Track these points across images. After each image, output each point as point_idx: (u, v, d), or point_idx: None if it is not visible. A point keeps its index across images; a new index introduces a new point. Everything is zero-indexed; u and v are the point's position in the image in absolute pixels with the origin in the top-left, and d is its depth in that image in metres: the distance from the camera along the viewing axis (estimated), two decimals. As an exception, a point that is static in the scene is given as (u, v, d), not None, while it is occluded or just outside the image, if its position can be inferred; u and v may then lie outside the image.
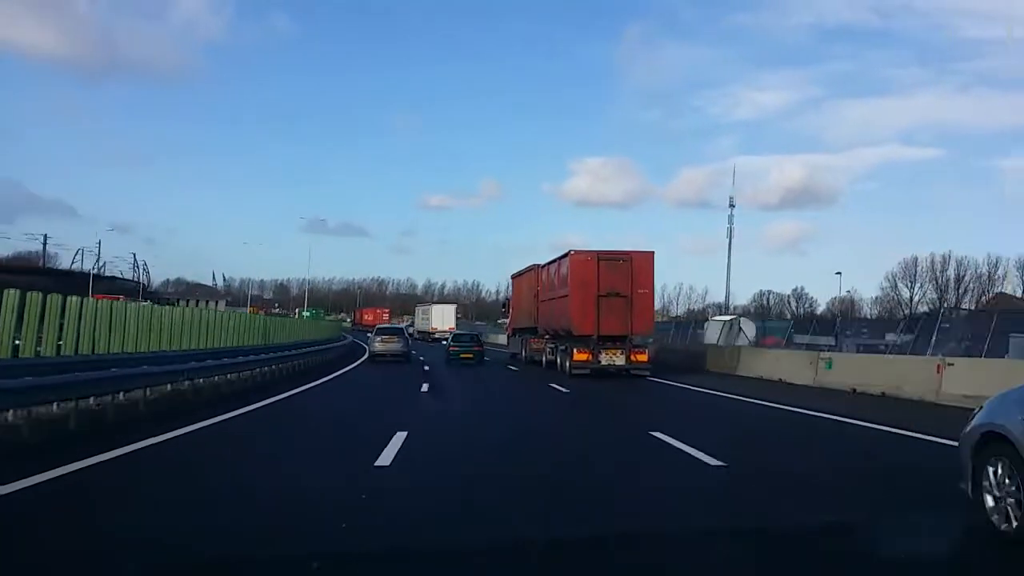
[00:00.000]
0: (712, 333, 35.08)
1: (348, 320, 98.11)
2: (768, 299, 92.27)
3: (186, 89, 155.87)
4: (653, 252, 22.52)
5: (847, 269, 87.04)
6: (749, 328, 35.52)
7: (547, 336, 26.87)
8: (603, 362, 21.97)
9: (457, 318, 69.10)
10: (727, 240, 76.16)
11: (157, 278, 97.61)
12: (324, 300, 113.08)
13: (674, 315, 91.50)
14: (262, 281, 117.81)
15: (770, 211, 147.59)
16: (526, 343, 30.51)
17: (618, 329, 21.94)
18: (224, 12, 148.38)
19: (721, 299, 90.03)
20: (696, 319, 52.85)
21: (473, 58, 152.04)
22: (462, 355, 28.86)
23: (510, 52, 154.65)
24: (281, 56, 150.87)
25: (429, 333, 66.42)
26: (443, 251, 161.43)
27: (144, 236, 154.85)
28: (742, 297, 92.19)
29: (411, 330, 78.60)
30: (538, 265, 28.08)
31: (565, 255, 22.98)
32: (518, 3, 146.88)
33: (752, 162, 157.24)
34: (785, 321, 43.99)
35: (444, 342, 42.57)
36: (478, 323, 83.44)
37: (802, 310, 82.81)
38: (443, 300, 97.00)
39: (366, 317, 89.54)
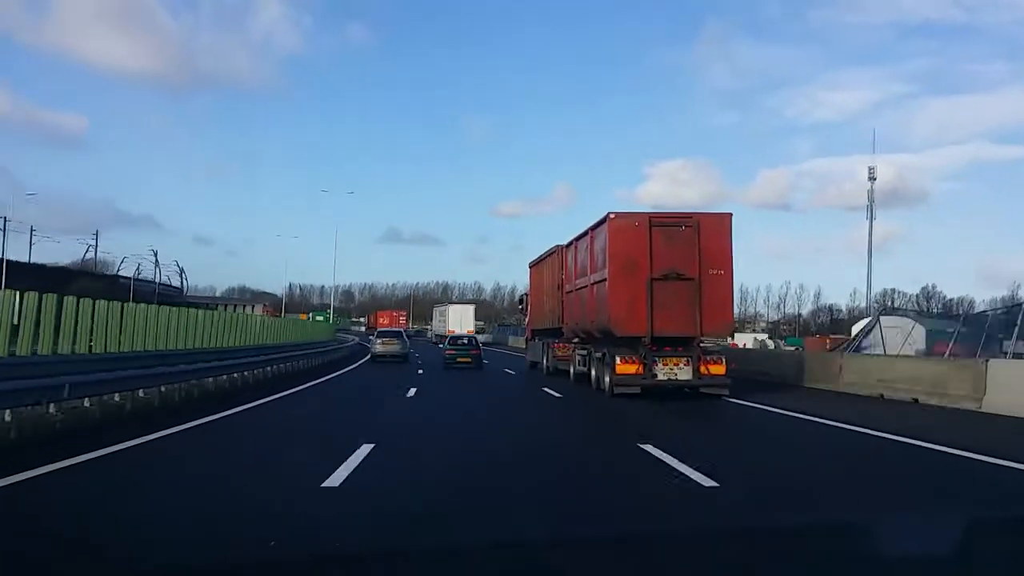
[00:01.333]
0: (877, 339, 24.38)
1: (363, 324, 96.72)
2: (892, 299, 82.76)
3: (266, 102, 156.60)
4: (730, 214, 15.44)
5: (933, 270, 79.21)
6: (918, 332, 25.70)
7: (576, 340, 19.92)
8: (660, 376, 14.96)
9: (477, 320, 64.15)
10: (857, 239, 69.81)
11: (221, 285, 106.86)
12: (384, 303, 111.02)
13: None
14: (323, 287, 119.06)
15: (856, 211, 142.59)
16: (548, 349, 23.62)
17: (681, 327, 14.92)
18: (303, 25, 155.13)
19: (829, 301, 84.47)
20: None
21: (545, 63, 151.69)
22: (459, 359, 27.17)
23: (584, 57, 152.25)
24: (357, 66, 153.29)
25: (445, 337, 59.94)
26: (517, 257, 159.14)
27: (225, 247, 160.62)
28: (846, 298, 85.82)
29: (429, 333, 74.63)
30: (562, 245, 21.15)
31: (601, 221, 15.90)
32: (592, 7, 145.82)
33: (832, 164, 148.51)
34: (943, 319, 35.72)
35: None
36: (510, 325, 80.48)
37: (936, 308, 74.11)
38: (462, 300, 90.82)
39: (381, 320, 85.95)
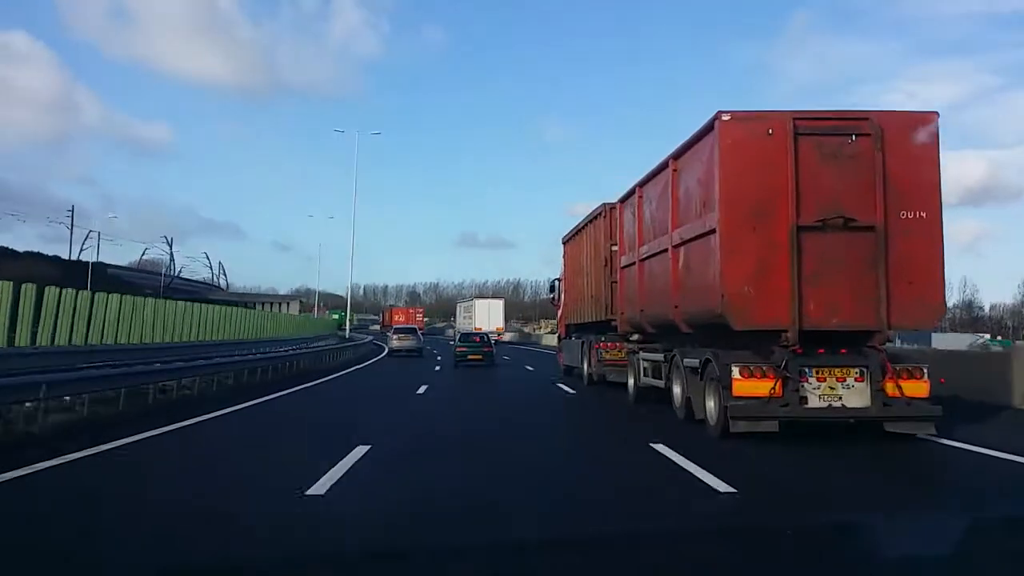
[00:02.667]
0: None
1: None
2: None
3: (342, 106, 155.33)
4: (935, 114, 8.80)
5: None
6: None
7: (637, 336, 13.37)
8: (813, 401, 8.42)
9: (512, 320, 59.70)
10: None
11: (283, 286, 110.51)
12: (448, 305, 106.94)
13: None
14: (387, 287, 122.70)
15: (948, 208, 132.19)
16: (590, 350, 17.06)
17: (853, 314, 8.39)
18: (380, 29, 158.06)
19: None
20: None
21: (622, 62, 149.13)
22: (470, 356, 26.39)
23: (661, 54, 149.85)
24: (434, 70, 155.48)
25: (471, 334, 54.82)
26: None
27: (303, 253, 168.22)
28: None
29: (451, 331, 67.80)
30: (612, 204, 14.69)
31: (703, 132, 9.16)
32: (669, 5, 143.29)
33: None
34: None
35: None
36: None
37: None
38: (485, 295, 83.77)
39: (396, 318, 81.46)
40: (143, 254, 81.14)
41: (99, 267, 62.00)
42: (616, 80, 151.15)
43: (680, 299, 10.17)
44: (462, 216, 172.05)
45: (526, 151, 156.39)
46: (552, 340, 55.84)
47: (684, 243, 9.91)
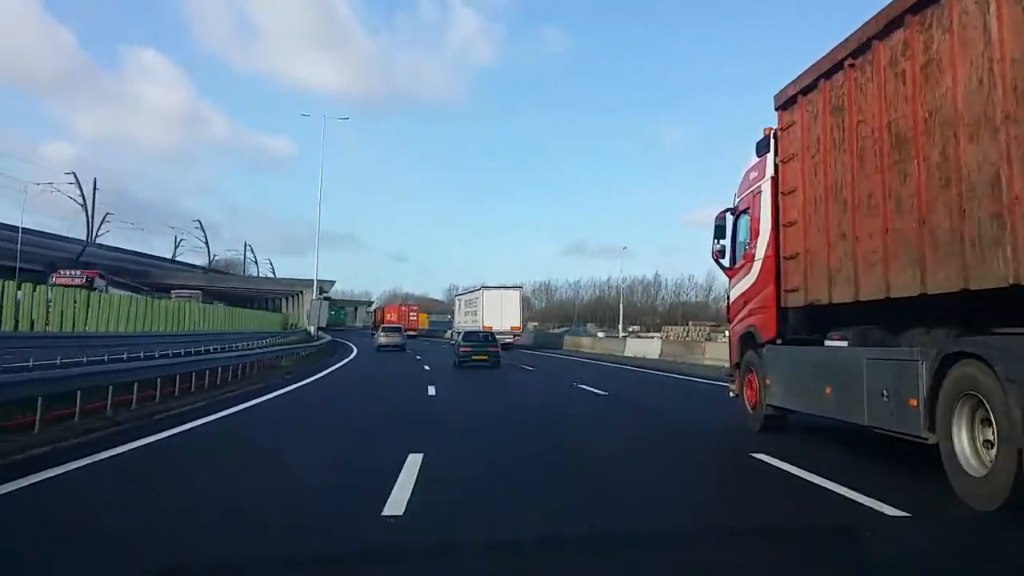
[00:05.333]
0: None
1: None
2: None
3: (460, 112, 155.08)
4: None
5: None
6: None
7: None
8: None
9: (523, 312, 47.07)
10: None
11: (376, 291, 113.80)
12: (569, 308, 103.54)
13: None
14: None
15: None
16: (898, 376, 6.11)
17: None
18: (497, 35, 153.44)
19: None
20: None
21: (742, 59, 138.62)
22: (474, 356, 24.03)
23: (783, 57, 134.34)
24: (551, 73, 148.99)
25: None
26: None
27: (418, 263, 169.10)
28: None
29: (449, 332, 56.41)
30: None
31: None
32: (789, 5, 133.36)
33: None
34: None
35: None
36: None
37: None
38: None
39: (388, 316, 76.69)
40: (177, 244, 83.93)
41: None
42: (738, 84, 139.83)
43: None
44: (572, 223, 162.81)
45: (640, 157, 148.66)
46: (575, 343, 45.45)
47: None
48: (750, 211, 9.67)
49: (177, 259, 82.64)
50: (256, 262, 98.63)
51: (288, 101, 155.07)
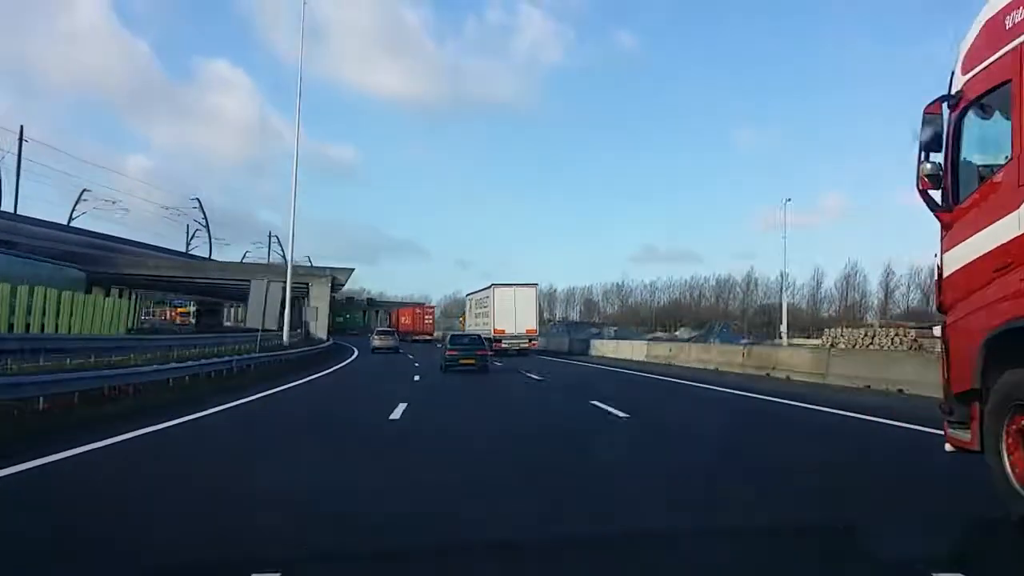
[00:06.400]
0: None
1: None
2: None
3: (524, 116, 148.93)
4: None
5: None
6: None
7: None
8: None
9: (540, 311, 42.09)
10: None
11: (436, 296, 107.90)
12: (644, 311, 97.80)
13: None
14: (556, 290, 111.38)
15: None
16: None
17: None
18: (565, 37, 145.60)
19: None
20: None
21: (814, 56, 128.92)
22: (462, 360, 23.40)
23: (857, 47, 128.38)
24: (621, 75, 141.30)
25: (489, 340, 37.00)
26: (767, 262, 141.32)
27: (481, 270, 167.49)
28: None
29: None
30: None
31: None
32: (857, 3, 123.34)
33: None
34: None
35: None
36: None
37: None
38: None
39: (402, 320, 73.69)
40: (191, 237, 78.30)
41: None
42: (811, 84, 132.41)
43: None
44: (641, 226, 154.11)
45: (712, 161, 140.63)
46: (604, 349, 38.77)
47: None
48: (1006, 94, 4.83)
49: (158, 246, 68.63)
50: (286, 259, 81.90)
51: (355, 109, 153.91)
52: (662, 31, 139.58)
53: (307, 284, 50.19)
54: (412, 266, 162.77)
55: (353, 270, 59.46)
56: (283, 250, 71.95)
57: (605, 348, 39.36)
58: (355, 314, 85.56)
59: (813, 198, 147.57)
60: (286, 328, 36.47)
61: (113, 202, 62.15)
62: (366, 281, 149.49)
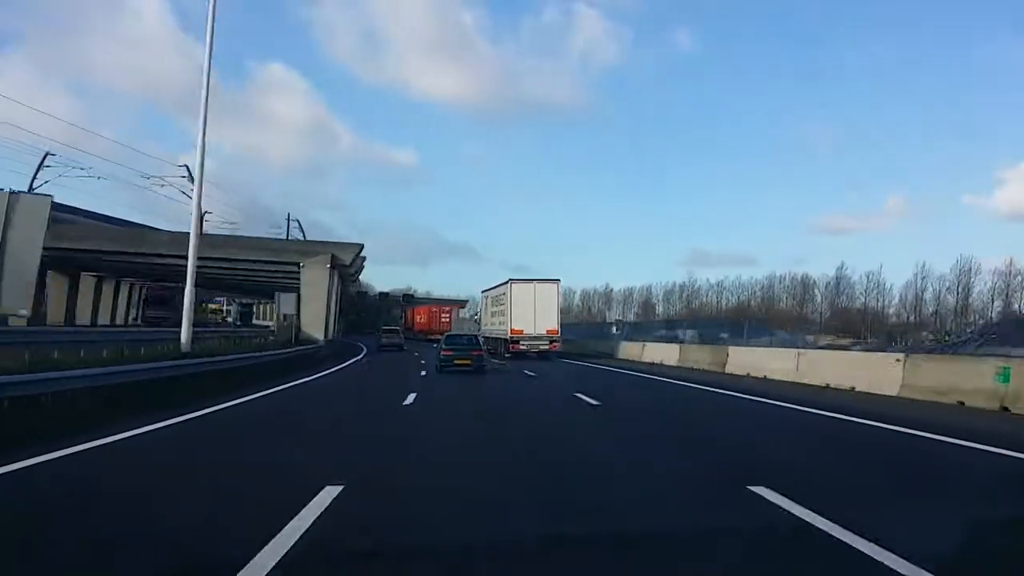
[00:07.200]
0: None
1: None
2: None
3: (579, 118, 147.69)
4: None
5: None
6: None
7: None
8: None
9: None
10: None
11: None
12: (706, 312, 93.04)
13: None
14: (612, 290, 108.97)
15: None
16: None
17: None
18: (622, 37, 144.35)
19: None
20: None
21: (878, 60, 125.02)
22: (456, 361, 23.01)
23: (916, 53, 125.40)
24: (679, 76, 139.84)
25: (506, 341, 35.04)
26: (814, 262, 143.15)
27: (534, 272, 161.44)
28: None
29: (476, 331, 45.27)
30: None
31: None
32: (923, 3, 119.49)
33: None
34: None
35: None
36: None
37: None
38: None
39: (418, 318, 70.53)
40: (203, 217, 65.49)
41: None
42: (870, 81, 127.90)
43: None
44: (694, 228, 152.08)
45: (764, 161, 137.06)
46: (630, 351, 34.20)
47: None
48: None
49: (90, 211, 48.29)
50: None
51: (415, 113, 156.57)
52: (721, 30, 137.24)
53: (297, 266, 37.44)
54: (466, 267, 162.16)
55: (361, 247, 41.75)
56: (303, 235, 58.68)
57: (658, 352, 31.73)
58: (395, 311, 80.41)
59: (875, 200, 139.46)
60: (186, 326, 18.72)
61: (82, 168, 44.65)
62: (418, 282, 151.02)
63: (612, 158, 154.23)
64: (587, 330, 59.22)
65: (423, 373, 22.88)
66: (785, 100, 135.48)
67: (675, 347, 30.81)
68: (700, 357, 27.06)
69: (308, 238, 55.62)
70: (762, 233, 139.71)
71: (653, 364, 29.66)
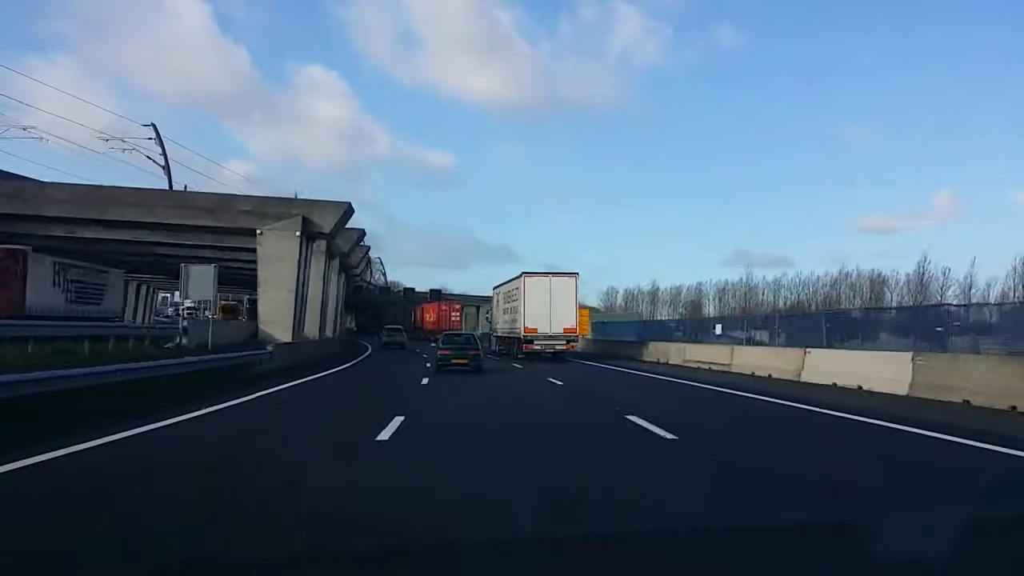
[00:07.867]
0: None
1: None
2: None
3: (623, 119, 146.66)
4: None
5: None
6: None
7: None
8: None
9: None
10: None
11: None
12: (760, 310, 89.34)
13: None
14: (659, 289, 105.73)
15: None
16: None
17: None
18: (662, 35, 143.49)
19: None
20: None
21: (926, 57, 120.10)
22: (454, 360, 22.94)
23: (967, 50, 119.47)
24: (721, 75, 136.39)
25: (519, 340, 31.88)
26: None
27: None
28: None
29: (481, 332, 43.48)
30: None
31: None
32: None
33: None
34: None
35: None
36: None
37: None
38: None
39: (427, 317, 67.97)
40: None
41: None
42: (917, 77, 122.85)
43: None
44: (735, 229, 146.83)
45: (810, 162, 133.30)
46: (655, 353, 30.97)
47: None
48: None
49: None
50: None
51: (451, 114, 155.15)
52: (763, 27, 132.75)
53: (254, 231, 25.82)
54: (505, 268, 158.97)
55: (346, 207, 29.61)
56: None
57: (707, 353, 26.99)
58: (409, 308, 76.02)
59: (922, 198, 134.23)
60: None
61: (24, 128, 40.06)
62: (455, 283, 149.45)
63: (651, 158, 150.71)
64: (636, 328, 46.96)
65: (424, 381, 19.12)
66: (825, 98, 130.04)
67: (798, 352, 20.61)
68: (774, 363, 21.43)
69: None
70: (800, 233, 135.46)
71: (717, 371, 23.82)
